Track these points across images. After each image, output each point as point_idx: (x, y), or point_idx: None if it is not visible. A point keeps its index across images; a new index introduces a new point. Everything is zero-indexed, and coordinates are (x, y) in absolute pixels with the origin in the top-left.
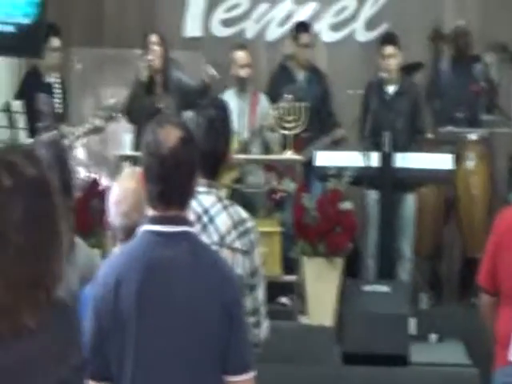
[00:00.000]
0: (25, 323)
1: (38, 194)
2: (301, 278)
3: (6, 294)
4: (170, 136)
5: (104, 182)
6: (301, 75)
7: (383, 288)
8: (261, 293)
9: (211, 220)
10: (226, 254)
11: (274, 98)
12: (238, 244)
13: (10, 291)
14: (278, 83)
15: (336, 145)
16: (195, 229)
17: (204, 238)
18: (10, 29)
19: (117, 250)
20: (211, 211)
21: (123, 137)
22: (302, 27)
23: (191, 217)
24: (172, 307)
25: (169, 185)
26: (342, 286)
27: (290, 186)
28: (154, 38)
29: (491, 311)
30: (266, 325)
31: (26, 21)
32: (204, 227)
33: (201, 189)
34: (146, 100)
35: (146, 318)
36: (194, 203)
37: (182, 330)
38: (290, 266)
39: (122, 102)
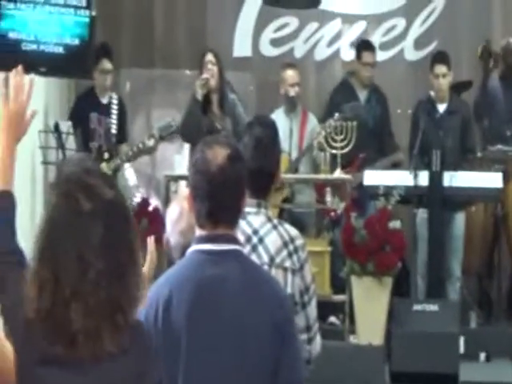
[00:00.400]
0: (105, 348)
1: (116, 218)
2: (350, 298)
3: (87, 319)
4: (218, 154)
5: (153, 202)
6: (362, 94)
7: (432, 307)
8: (313, 309)
9: (261, 240)
10: (276, 273)
11: (332, 113)
12: (288, 263)
13: (90, 316)
14: (338, 99)
15: (394, 168)
16: (245, 250)
17: (254, 259)
18: (59, 50)
19: (169, 270)
20: (261, 232)
21: (173, 157)
22: (365, 45)
23: (241, 238)
24: (223, 326)
25: (217, 203)
26: (391, 305)
27: (339, 205)
28: (209, 56)
29: None
30: (318, 341)
31: (74, 42)
32: (254, 248)
33: (250, 209)
34: (203, 119)
35: (197, 338)
36: (243, 224)
37: (233, 349)
38: (340, 285)
39: (176, 122)
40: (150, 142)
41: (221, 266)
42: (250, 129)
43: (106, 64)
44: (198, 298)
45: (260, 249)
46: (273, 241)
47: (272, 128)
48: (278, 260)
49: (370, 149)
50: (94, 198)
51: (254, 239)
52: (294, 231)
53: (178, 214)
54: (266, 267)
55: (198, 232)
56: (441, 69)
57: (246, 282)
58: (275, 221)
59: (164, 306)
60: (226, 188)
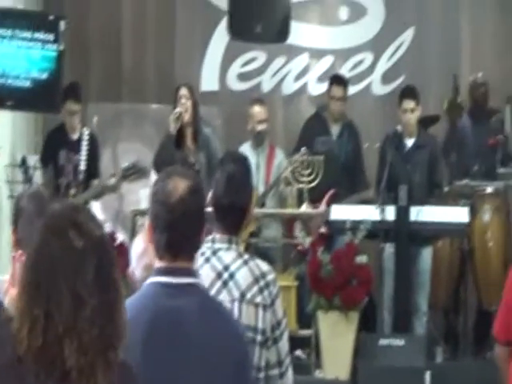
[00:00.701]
0: None
1: (104, 255)
2: (316, 332)
3: (81, 356)
4: (179, 185)
5: (119, 236)
6: (334, 128)
7: (399, 341)
8: (285, 344)
9: (232, 276)
10: (247, 309)
11: (304, 146)
12: (259, 299)
13: (84, 353)
14: (310, 132)
15: (362, 203)
16: (216, 286)
17: (224, 295)
18: (27, 84)
19: (127, 300)
20: (232, 267)
21: (140, 192)
22: (335, 79)
23: (211, 274)
24: (179, 359)
25: (176, 234)
26: (358, 339)
27: (305, 239)
28: (183, 90)
29: (505, 362)
30: (289, 376)
31: (42, 76)
32: (224, 284)
33: (221, 245)
34: (176, 153)
35: (152, 368)
36: (213, 260)
37: (188, 381)
38: (307, 319)
39: (141, 163)
40: (111, 181)
41: (178, 298)
42: (222, 164)
43: (72, 105)
44: (154, 328)
45: (231, 284)
46: (244, 276)
47: (244, 164)
48: (248, 296)
49: (341, 184)
50: (85, 236)
51: (225, 275)
52: (265, 266)
53: (142, 248)
54: (236, 303)
55: (157, 264)
56: (409, 104)
57: (203, 316)
58: (246, 256)
59: None
60: (186, 219)
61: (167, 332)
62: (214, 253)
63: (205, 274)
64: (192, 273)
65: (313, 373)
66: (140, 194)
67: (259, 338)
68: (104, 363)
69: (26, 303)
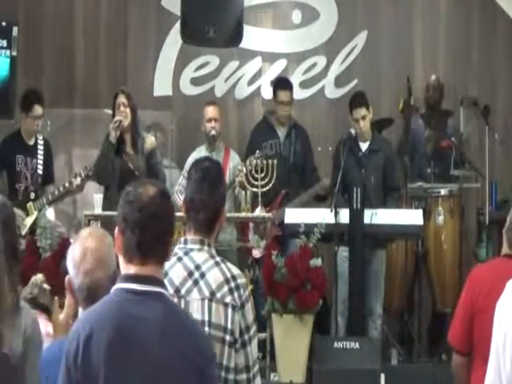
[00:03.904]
0: None
1: None
2: (271, 335)
3: None
4: (149, 189)
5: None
6: (281, 131)
7: (353, 344)
8: (254, 350)
9: (202, 275)
10: (216, 308)
11: (253, 151)
12: (228, 299)
13: None
14: (258, 137)
15: (318, 201)
16: (187, 285)
17: (195, 293)
18: None
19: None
20: (203, 267)
21: (93, 197)
22: (281, 84)
23: (183, 272)
24: (142, 366)
25: (147, 233)
26: (312, 342)
27: (259, 243)
28: (121, 98)
29: (463, 372)
30: (258, 382)
31: None
32: (195, 282)
33: (193, 246)
34: (115, 160)
35: (115, 375)
36: (185, 259)
37: None
38: (262, 323)
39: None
40: (77, 181)
41: (143, 306)
42: (197, 163)
43: (38, 110)
44: (117, 336)
45: (201, 283)
46: (214, 276)
47: (218, 164)
48: (218, 295)
49: (292, 185)
50: None
51: (196, 274)
52: (236, 270)
53: (80, 253)
54: (206, 301)
55: (125, 269)
56: (359, 113)
57: (168, 324)
58: (218, 258)
59: (84, 342)
60: (157, 218)
61: (130, 340)
62: (186, 253)
63: (176, 273)
64: (158, 282)
65: (268, 376)
66: (94, 199)
67: (228, 337)
68: None
69: None
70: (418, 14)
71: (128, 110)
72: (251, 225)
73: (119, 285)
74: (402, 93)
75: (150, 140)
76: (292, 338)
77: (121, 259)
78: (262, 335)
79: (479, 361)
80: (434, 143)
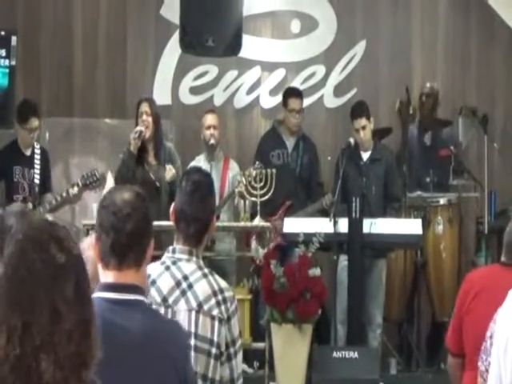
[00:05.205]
0: None
1: (81, 273)
2: (270, 345)
3: (57, 371)
4: (125, 193)
5: None
6: (290, 141)
7: (352, 354)
8: (238, 364)
9: (190, 286)
10: (203, 321)
11: (261, 160)
12: (215, 312)
13: (60, 368)
14: (267, 146)
15: (321, 215)
16: (174, 295)
17: (182, 304)
18: None
19: None
20: (191, 278)
21: (93, 206)
22: (291, 92)
23: (171, 282)
24: (122, 376)
25: (122, 235)
26: (312, 352)
27: (259, 252)
28: (144, 107)
29: (457, 372)
30: None
31: None
32: (183, 293)
33: (181, 256)
34: (137, 170)
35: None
36: (173, 268)
37: None
38: (261, 332)
39: (99, 172)
40: (74, 190)
41: (122, 315)
42: (188, 174)
43: (34, 122)
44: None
45: (189, 294)
46: (202, 288)
47: (209, 176)
48: (205, 307)
49: (298, 196)
50: (65, 252)
51: (184, 284)
52: (224, 283)
53: None
54: (193, 313)
55: (103, 276)
56: (360, 123)
57: (147, 332)
58: (206, 270)
59: None
60: (132, 221)
61: (109, 349)
62: (174, 263)
63: (164, 282)
64: (137, 289)
65: None
66: (93, 208)
67: (214, 350)
68: (77, 381)
69: (4, 313)
70: (417, 24)
71: (150, 119)
72: (254, 235)
73: (97, 294)
74: (400, 97)
75: (168, 174)
76: (291, 348)
77: (99, 266)
78: (261, 345)
79: (467, 362)
80: (432, 152)
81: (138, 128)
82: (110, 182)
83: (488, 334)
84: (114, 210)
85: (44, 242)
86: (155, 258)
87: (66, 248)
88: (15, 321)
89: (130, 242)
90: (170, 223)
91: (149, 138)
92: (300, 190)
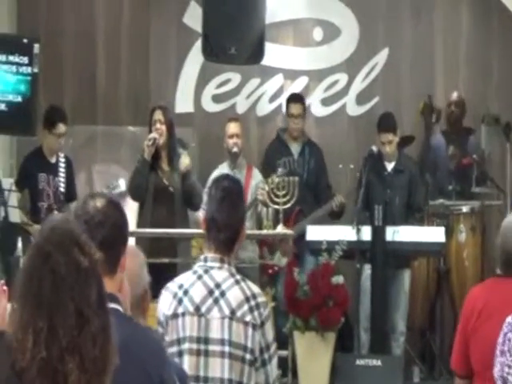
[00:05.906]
0: None
1: (101, 277)
2: (293, 353)
3: (82, 374)
4: (98, 201)
5: None
6: (295, 147)
7: (375, 362)
8: (274, 369)
9: (223, 294)
10: (237, 327)
11: (268, 169)
12: (248, 318)
13: (84, 373)
14: (272, 155)
15: (332, 218)
16: (207, 303)
17: (215, 312)
18: (2, 107)
19: None
20: (223, 286)
21: None
22: (292, 98)
23: (203, 291)
24: None
25: (94, 243)
26: (334, 360)
27: (280, 260)
28: (157, 114)
29: None
30: None
31: (17, 99)
32: (215, 301)
33: (213, 264)
34: (150, 177)
35: None
36: (205, 277)
37: None
38: (284, 340)
39: (121, 184)
40: None
41: None
42: (217, 182)
43: (62, 128)
44: None
45: (221, 302)
46: (234, 295)
47: (238, 183)
48: (238, 314)
49: (306, 202)
50: (88, 256)
51: (216, 292)
52: (256, 289)
53: None
54: (226, 320)
55: None
56: (387, 137)
57: (122, 341)
58: (238, 276)
59: None
60: (103, 227)
61: None
62: (206, 271)
63: (197, 291)
64: (112, 298)
65: None
66: None
67: (248, 356)
68: None
69: (30, 315)
70: (439, 32)
71: (164, 127)
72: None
73: None
74: (423, 98)
75: (184, 162)
76: (314, 356)
77: None
78: (284, 353)
79: (476, 379)
80: (456, 160)
81: (152, 135)
82: (122, 189)
83: (500, 340)
84: (86, 219)
85: (67, 246)
86: (171, 266)
87: (87, 252)
88: (41, 323)
89: (102, 250)
90: (185, 231)
91: (162, 144)
92: (308, 195)
